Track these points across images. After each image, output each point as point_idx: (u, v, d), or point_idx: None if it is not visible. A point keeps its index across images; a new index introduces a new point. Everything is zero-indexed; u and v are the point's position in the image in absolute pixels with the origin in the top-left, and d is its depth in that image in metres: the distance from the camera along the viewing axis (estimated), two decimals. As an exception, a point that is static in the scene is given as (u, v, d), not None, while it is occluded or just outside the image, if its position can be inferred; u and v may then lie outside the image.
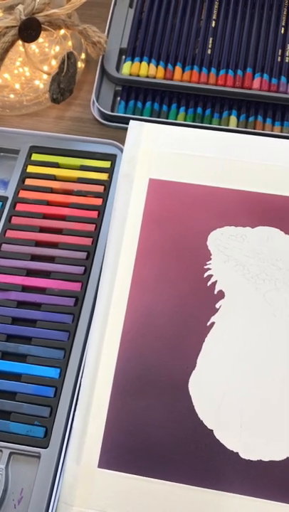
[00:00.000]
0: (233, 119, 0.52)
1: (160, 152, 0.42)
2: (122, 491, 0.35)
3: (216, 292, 0.39)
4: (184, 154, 0.43)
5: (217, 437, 0.36)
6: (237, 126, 0.52)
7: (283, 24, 0.54)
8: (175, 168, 0.42)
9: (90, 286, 0.42)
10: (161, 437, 0.36)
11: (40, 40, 0.51)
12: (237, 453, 0.35)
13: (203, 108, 0.52)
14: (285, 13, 0.54)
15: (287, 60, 0.53)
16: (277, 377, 0.37)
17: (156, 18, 0.55)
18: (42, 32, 0.48)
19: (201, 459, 0.35)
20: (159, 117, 0.52)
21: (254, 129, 0.51)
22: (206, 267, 0.39)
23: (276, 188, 0.41)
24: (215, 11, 0.54)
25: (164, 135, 0.43)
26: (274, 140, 0.44)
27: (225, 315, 0.38)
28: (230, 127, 0.51)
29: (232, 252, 0.39)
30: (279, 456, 0.35)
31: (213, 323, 0.38)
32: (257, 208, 0.41)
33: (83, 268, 0.43)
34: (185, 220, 0.41)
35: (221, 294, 0.39)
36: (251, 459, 0.35)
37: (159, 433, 0.36)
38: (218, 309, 0.38)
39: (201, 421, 0.36)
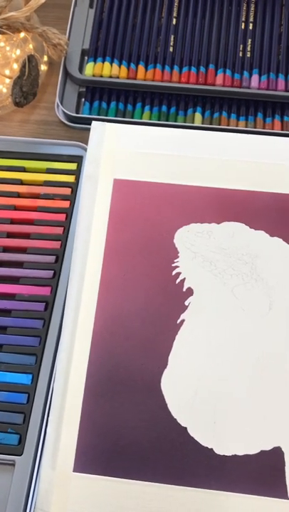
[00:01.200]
0: (198, 116, 0.52)
1: (124, 152, 0.42)
2: (98, 494, 0.35)
3: (184, 289, 0.39)
4: (147, 153, 0.43)
5: (191, 435, 0.36)
6: (202, 123, 0.52)
7: (243, 19, 0.54)
8: (140, 168, 0.42)
9: (59, 290, 0.42)
10: (136, 438, 0.36)
11: (1, 44, 0.51)
12: (212, 449, 0.35)
13: (168, 106, 0.52)
14: (244, 8, 0.54)
15: (248, 55, 0.53)
16: (249, 370, 0.37)
17: (117, 18, 0.54)
18: (1, 36, 0.47)
19: (176, 457, 0.35)
20: (124, 117, 0.52)
21: (219, 125, 0.52)
22: (174, 265, 0.39)
23: (240, 183, 0.41)
24: (175, 9, 0.54)
25: (127, 135, 0.43)
26: (237, 135, 0.44)
27: (194, 312, 0.38)
28: (195, 124, 0.51)
29: (199, 249, 0.40)
30: (253, 450, 0.35)
31: (183, 321, 0.38)
32: (222, 203, 0.41)
33: (52, 272, 0.43)
34: (151, 218, 0.41)
35: (190, 291, 0.39)
36: (226, 455, 0.35)
37: (133, 433, 0.36)
38: (187, 306, 0.38)
39: (175, 419, 0.36)
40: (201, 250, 0.39)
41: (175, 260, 0.39)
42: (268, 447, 0.35)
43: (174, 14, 0.54)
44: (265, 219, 0.40)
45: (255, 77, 0.52)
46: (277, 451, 0.35)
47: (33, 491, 0.36)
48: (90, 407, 0.36)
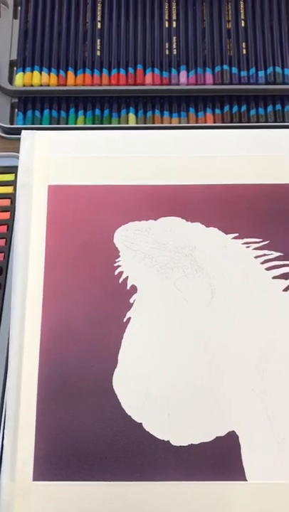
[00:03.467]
0: (131, 116, 0.53)
1: (57, 158, 0.42)
2: (61, 500, 0.35)
3: (128, 288, 0.39)
4: (81, 157, 0.43)
5: (146, 429, 0.36)
6: (136, 123, 0.52)
7: (166, 18, 0.55)
8: (74, 172, 0.42)
9: (5, 303, 0.42)
10: (92, 439, 0.36)
11: None
12: (168, 441, 0.36)
13: (101, 109, 0.53)
14: (166, 7, 0.55)
15: (175, 53, 0.54)
16: (198, 359, 0.37)
17: (42, 27, 0.54)
18: None
19: (133, 453, 0.36)
20: (59, 124, 0.52)
21: (153, 123, 0.52)
22: (115, 264, 0.40)
23: (174, 178, 0.42)
24: (99, 13, 0.55)
25: (58, 141, 0.43)
26: (168, 132, 0.45)
27: (139, 308, 0.39)
28: (130, 125, 0.52)
29: (139, 247, 0.40)
30: (209, 437, 0.36)
31: (129, 319, 0.38)
32: (158, 200, 0.41)
33: (-3, 284, 0.43)
34: (90, 221, 0.41)
35: (134, 289, 0.39)
36: (182, 445, 0.36)
37: (90, 435, 0.36)
38: (132, 304, 0.39)
39: (129, 416, 0.36)
40: (141, 247, 0.40)
41: (116, 260, 0.40)
42: (222, 433, 0.36)
43: (98, 18, 0.55)
44: (200, 211, 0.41)
45: (183, 74, 0.53)
46: (232, 436, 0.36)
47: (-6, 506, 0.36)
48: (44, 414, 0.36)
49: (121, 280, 0.39)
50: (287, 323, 0.38)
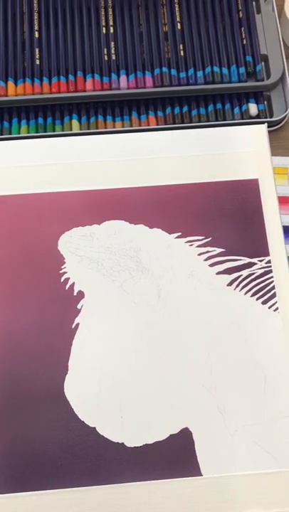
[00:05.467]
0: (75, 123, 0.53)
1: (-2, 169, 0.42)
2: (18, 512, 0.35)
3: (75, 294, 0.39)
4: (22, 166, 0.43)
5: (101, 433, 0.36)
6: (80, 129, 0.53)
7: (104, 24, 0.55)
8: (15, 182, 0.42)
9: None
10: (47, 448, 0.36)
11: None
12: (122, 443, 0.36)
13: (44, 118, 0.53)
14: (103, 13, 0.55)
15: (114, 58, 0.54)
16: (148, 360, 0.38)
17: (-20, 38, 0.54)
18: None
19: (88, 458, 0.36)
20: (2, 134, 0.52)
21: (97, 129, 0.53)
22: (61, 271, 0.40)
23: (116, 182, 0.42)
24: (36, 22, 0.55)
25: (-2, 152, 0.43)
26: (108, 136, 0.45)
27: (88, 313, 0.39)
28: (74, 131, 0.52)
29: (84, 252, 0.40)
30: (162, 436, 0.36)
31: (78, 324, 0.38)
32: (101, 204, 0.42)
33: None
34: (33, 230, 0.41)
35: (81, 294, 0.39)
36: (137, 446, 0.36)
37: (44, 444, 0.36)
38: (80, 310, 0.39)
39: (82, 421, 0.36)
40: (86, 253, 0.40)
41: (62, 267, 0.40)
42: (176, 430, 0.36)
43: (36, 27, 0.55)
44: (143, 213, 0.41)
45: (123, 78, 0.54)
46: (185, 432, 0.36)
47: None
48: (-3, 427, 0.36)
49: (67, 287, 0.39)
50: (232, 317, 0.39)
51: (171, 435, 0.36)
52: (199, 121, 0.53)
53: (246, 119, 0.53)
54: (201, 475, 0.36)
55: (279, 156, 0.53)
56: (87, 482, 0.35)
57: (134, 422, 0.36)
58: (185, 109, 0.54)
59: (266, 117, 0.54)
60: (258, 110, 0.54)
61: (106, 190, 0.42)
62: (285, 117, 0.54)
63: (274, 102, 0.54)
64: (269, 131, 0.54)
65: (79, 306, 0.39)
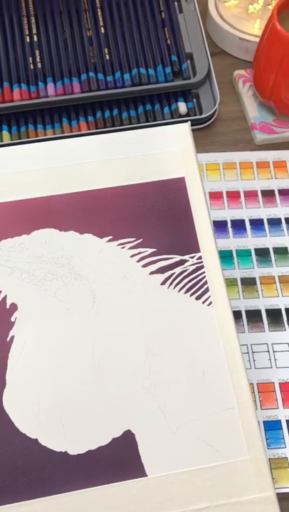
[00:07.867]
0: (5, 133, 0.52)
1: None
2: None
3: (8, 306, 0.39)
4: None
5: (43, 444, 0.36)
6: (11, 139, 0.52)
7: (27, 33, 0.55)
8: None
9: None
10: (-11, 464, 0.35)
11: None
12: (65, 452, 0.36)
13: (-27, 130, 0.52)
14: (26, 22, 0.55)
15: (39, 66, 0.54)
16: (86, 366, 0.38)
17: None
18: None
19: (32, 471, 0.35)
20: None
21: (28, 137, 0.53)
22: (-7, 285, 0.39)
23: (42, 191, 0.42)
24: None
25: None
26: (33, 145, 0.44)
27: (22, 325, 0.38)
28: (4, 142, 0.52)
29: (14, 263, 0.40)
30: (105, 441, 0.36)
31: (12, 337, 0.38)
32: (28, 214, 0.41)
33: None
34: None
35: (14, 307, 0.39)
36: (80, 453, 0.36)
37: (-14, 461, 0.35)
38: (14, 322, 0.38)
39: (24, 434, 0.36)
40: (16, 264, 0.40)
41: (-7, 280, 0.39)
42: (118, 433, 0.36)
43: None
44: (72, 219, 0.41)
45: (50, 86, 0.54)
46: (127, 435, 0.36)
47: None
48: None
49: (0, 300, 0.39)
50: (168, 315, 0.39)
51: (114, 439, 0.36)
52: (130, 124, 0.54)
53: (176, 118, 0.54)
54: (146, 475, 0.36)
55: (210, 153, 0.53)
56: (33, 495, 0.35)
57: (76, 429, 0.36)
58: (115, 112, 0.54)
59: (196, 115, 0.54)
60: (188, 108, 0.54)
61: (34, 199, 0.42)
62: (214, 113, 0.55)
63: (202, 99, 0.55)
64: (200, 128, 0.54)
65: (13, 319, 0.39)
